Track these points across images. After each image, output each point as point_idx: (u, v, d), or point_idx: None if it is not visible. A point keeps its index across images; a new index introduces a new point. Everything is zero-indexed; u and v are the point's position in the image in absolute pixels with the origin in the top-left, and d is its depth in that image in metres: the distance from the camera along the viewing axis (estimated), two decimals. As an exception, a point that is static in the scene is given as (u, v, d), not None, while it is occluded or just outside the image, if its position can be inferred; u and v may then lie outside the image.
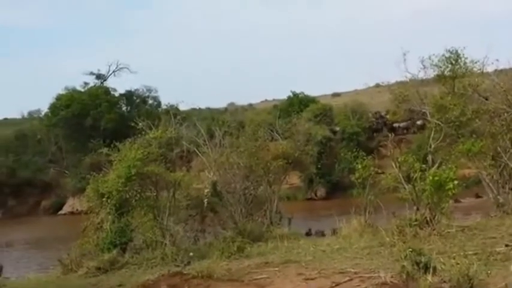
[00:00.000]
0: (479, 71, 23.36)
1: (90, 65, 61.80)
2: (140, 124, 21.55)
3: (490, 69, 23.01)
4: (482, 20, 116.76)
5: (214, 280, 13.15)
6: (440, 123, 20.66)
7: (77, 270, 17.00)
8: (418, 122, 43.49)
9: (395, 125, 49.35)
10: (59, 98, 60.41)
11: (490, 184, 21.43)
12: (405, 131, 49.56)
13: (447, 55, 23.49)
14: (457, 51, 23.53)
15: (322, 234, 22.60)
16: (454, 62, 23.32)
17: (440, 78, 23.76)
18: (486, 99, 19.42)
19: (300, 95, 58.55)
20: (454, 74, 23.14)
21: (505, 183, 20.98)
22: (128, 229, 18.54)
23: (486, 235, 15.59)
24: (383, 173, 21.04)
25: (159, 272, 14.40)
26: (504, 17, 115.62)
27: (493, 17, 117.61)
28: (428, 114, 21.93)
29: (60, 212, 55.94)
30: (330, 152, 47.75)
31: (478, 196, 31.32)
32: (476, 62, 23.18)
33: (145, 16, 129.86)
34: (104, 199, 18.57)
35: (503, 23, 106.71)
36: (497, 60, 21.27)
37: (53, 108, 60.49)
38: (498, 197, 20.84)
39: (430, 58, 23.62)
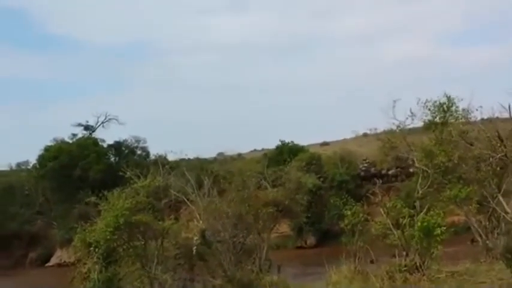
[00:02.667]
0: (466, 119, 23.64)
1: (79, 117, 62.52)
2: (128, 173, 21.54)
3: (474, 116, 23.31)
4: (466, 70, 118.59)
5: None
6: (427, 169, 20.78)
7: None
8: (410, 170, 43.66)
9: (384, 172, 49.52)
10: (47, 149, 60.15)
11: (479, 230, 21.47)
12: (394, 179, 49.69)
13: (442, 101, 23.81)
14: (451, 98, 23.86)
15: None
16: (446, 109, 23.62)
17: (430, 125, 23.97)
18: (471, 145, 19.62)
19: (289, 144, 58.71)
20: (445, 120, 23.40)
21: (493, 228, 21.04)
22: (115, 278, 18.36)
23: (476, 280, 15.60)
24: (372, 220, 21.03)
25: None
26: (486, 68, 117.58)
27: (476, 67, 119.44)
28: (415, 160, 22.06)
29: (47, 264, 55.09)
30: (320, 200, 47.64)
31: (473, 241, 31.23)
32: (466, 111, 23.49)
33: (135, 69, 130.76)
34: (91, 248, 18.41)
35: (485, 73, 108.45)
36: (481, 107, 21.57)
37: (41, 159, 60.19)
38: (487, 242, 20.86)
39: (425, 103, 23.86)
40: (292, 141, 59.18)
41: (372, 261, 20.06)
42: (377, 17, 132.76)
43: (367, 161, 53.13)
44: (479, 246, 21.96)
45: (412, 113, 23.54)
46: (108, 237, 18.01)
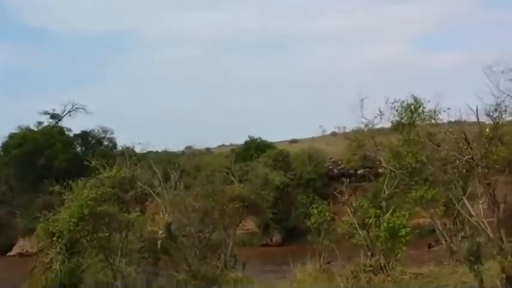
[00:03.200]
0: (433, 121, 23.83)
1: (47, 106, 61.51)
2: (93, 162, 21.25)
3: (442, 117, 23.53)
4: (434, 72, 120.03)
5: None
6: (394, 170, 20.89)
7: (23, 312, 16.45)
8: (377, 170, 43.92)
9: (351, 172, 49.74)
10: (11, 136, 59.26)
11: (444, 232, 21.64)
12: (361, 179, 49.89)
13: (409, 101, 23.98)
14: (418, 99, 24.04)
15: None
16: (414, 110, 23.80)
17: (397, 126, 24.13)
18: (438, 147, 19.75)
19: (257, 140, 58.72)
20: (412, 121, 23.57)
21: (457, 231, 21.22)
22: (78, 269, 18.12)
23: (440, 283, 15.71)
24: (339, 219, 21.05)
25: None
26: (452, 70, 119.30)
27: (443, 70, 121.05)
28: (383, 161, 22.16)
29: (9, 253, 54.33)
30: (287, 197, 47.72)
31: (430, 246, 31.65)
32: (433, 112, 23.68)
33: (104, 62, 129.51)
34: (54, 238, 18.12)
35: (452, 76, 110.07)
36: (449, 108, 21.74)
37: (5, 146, 59.31)
38: (451, 245, 21.04)
39: (393, 103, 23.99)
40: (260, 138, 59.25)
41: (328, 262, 19.94)
42: (352, 18, 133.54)
43: (334, 159, 53.33)
44: (435, 251, 22.17)
45: (380, 112, 23.67)
46: (72, 227, 17.74)
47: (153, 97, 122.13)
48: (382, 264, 16.86)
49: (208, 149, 64.57)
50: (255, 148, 53.39)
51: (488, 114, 17.90)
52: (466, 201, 18.89)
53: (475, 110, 17.60)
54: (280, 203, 45.06)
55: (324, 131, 53.82)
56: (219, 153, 56.05)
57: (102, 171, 20.96)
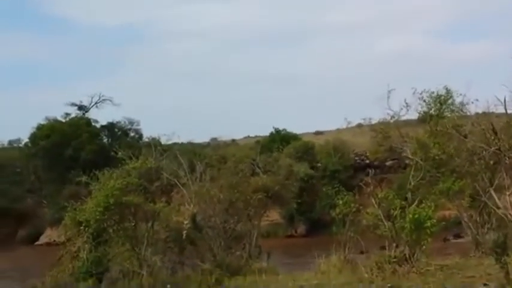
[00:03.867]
0: (461, 112, 23.62)
1: (73, 98, 62.25)
2: (120, 153, 21.44)
3: (469, 109, 23.32)
4: (463, 64, 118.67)
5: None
6: (420, 161, 20.75)
7: (52, 299, 16.70)
8: (403, 162, 43.65)
9: (377, 163, 49.50)
10: (39, 127, 59.95)
11: (470, 224, 21.49)
12: (387, 170, 49.66)
13: (440, 93, 23.76)
14: (450, 90, 23.83)
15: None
16: (443, 101, 23.59)
17: (425, 117, 23.92)
18: (465, 138, 19.59)
19: (282, 132, 58.73)
20: (440, 113, 23.36)
21: (484, 223, 21.05)
22: (104, 259, 18.31)
23: (465, 274, 15.60)
24: (364, 211, 20.97)
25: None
26: (482, 62, 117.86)
27: (472, 62, 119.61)
28: (409, 152, 22.03)
29: (36, 243, 55.08)
30: (312, 189, 47.70)
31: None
32: (461, 104, 23.47)
33: (132, 53, 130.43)
34: (81, 228, 18.34)
35: (481, 67, 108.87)
36: (476, 100, 21.55)
37: (33, 137, 60.00)
38: (477, 237, 20.89)
39: (421, 94, 23.78)
40: (285, 129, 59.24)
41: (361, 252, 20.04)
42: (374, 8, 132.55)
43: (360, 151, 53.13)
44: (462, 243, 21.98)
45: (406, 103, 23.50)
46: (98, 216, 17.92)
47: (177, 89, 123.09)
48: (407, 256, 16.79)
49: (233, 141, 64.85)
50: (280, 140, 53.42)
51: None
52: (493, 193, 18.74)
53: (503, 100, 17.43)
54: (305, 194, 45.00)
55: (349, 122, 53.57)
56: (244, 145, 56.25)
57: (129, 162, 21.14)
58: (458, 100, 23.81)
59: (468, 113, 23.63)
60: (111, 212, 18.27)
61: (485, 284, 13.60)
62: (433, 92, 23.98)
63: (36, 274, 22.34)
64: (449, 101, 24.01)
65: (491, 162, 19.03)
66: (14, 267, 39.50)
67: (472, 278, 14.93)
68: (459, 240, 32.39)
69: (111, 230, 18.83)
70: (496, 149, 16.98)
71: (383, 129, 24.36)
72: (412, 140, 22.63)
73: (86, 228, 18.19)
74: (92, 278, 17.37)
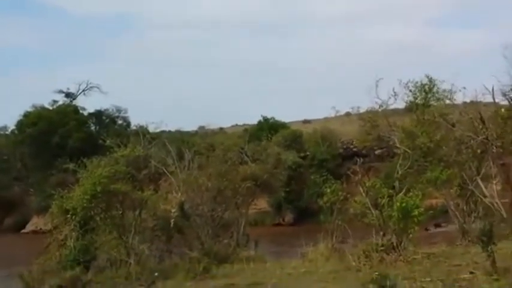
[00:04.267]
0: (448, 101, 23.72)
1: (61, 85, 61.92)
2: (108, 141, 21.35)
3: (457, 97, 23.40)
4: (451, 55, 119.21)
5: (178, 300, 12.98)
6: (408, 150, 20.81)
7: (39, 287, 16.60)
8: (391, 150, 43.72)
9: (364, 152, 49.56)
10: (26, 115, 59.64)
11: (457, 213, 21.59)
12: (374, 159, 49.73)
13: (424, 82, 23.86)
14: (432, 79, 23.93)
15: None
16: (428, 90, 23.68)
17: (411, 106, 24.04)
18: (453, 126, 19.66)
19: (270, 120, 58.74)
20: (426, 102, 23.46)
21: (470, 212, 21.17)
22: (91, 247, 18.27)
23: (451, 262, 15.65)
24: (349, 199, 21.00)
25: (122, 291, 14.14)
26: (468, 51, 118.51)
27: (461, 52, 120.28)
28: (396, 141, 22.09)
29: (23, 231, 54.93)
30: (299, 177, 47.79)
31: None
32: (447, 92, 23.54)
33: (119, 41, 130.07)
34: (68, 216, 18.27)
35: (468, 57, 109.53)
36: (464, 88, 21.62)
37: (20, 125, 59.70)
38: (464, 225, 21.00)
39: (407, 84, 23.89)
40: (273, 118, 59.25)
41: (342, 242, 19.98)
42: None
43: (348, 140, 53.17)
44: (448, 232, 22.06)
45: (395, 92, 23.57)
46: (85, 204, 17.83)
47: (165, 78, 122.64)
48: (394, 244, 16.84)
49: (221, 129, 64.77)
50: (268, 128, 53.37)
51: (504, 94, 17.80)
52: (480, 182, 18.83)
53: (491, 90, 17.48)
54: (293, 183, 45.15)
55: (337, 111, 53.74)
56: (232, 133, 56.15)
57: (117, 149, 21.06)
58: (442, 88, 23.88)
59: (455, 102, 23.74)
60: (99, 200, 18.17)
61: (471, 272, 13.65)
62: (417, 82, 24.06)
63: (23, 262, 22.24)
64: (434, 89, 24.06)
65: (479, 151, 19.12)
66: (0, 255, 39.35)
67: (459, 266, 14.98)
68: (439, 230, 32.75)
69: (98, 218, 18.76)
70: (484, 138, 17.06)
71: (371, 118, 24.41)
72: (400, 128, 22.70)
73: (73, 216, 18.12)
74: (79, 266, 17.27)
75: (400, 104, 25.15)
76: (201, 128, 66.27)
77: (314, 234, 20.58)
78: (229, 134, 55.65)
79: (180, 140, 42.16)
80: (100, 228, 18.89)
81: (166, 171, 23.81)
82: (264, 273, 16.15)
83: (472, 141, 18.04)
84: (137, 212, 19.29)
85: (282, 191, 30.95)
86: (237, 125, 71.28)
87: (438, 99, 23.85)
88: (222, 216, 22.65)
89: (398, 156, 21.64)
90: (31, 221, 55.40)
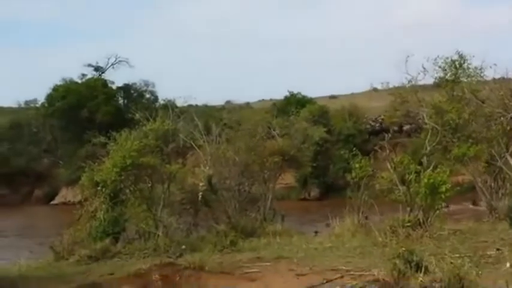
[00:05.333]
0: (479, 77, 23.45)
1: (90, 58, 62.47)
2: (138, 115, 21.54)
3: (488, 74, 23.12)
4: (482, 32, 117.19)
5: (205, 272, 13.17)
6: (436, 126, 20.70)
7: (69, 257, 16.95)
8: (418, 126, 43.32)
9: (391, 128, 49.21)
10: (55, 88, 60.19)
11: (484, 189, 21.51)
12: (401, 135, 49.40)
13: (454, 58, 23.56)
14: (463, 55, 23.62)
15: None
16: (458, 66, 23.40)
17: (441, 82, 23.83)
18: (483, 103, 19.48)
19: (297, 95, 58.55)
20: (456, 78, 23.21)
21: (498, 188, 21.08)
22: (121, 219, 18.53)
23: (478, 239, 15.66)
24: (378, 175, 20.95)
25: (151, 262, 14.37)
26: (503, 28, 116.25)
27: (493, 29, 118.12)
28: (425, 116, 21.97)
29: (52, 202, 55.84)
30: (326, 153, 47.73)
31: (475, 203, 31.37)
32: (478, 69, 23.24)
33: (147, 14, 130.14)
34: (98, 188, 18.54)
35: (502, 35, 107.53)
36: (495, 64, 21.35)
37: (50, 98, 60.28)
38: (491, 202, 20.93)
39: (436, 60, 23.66)
40: (300, 93, 59.04)
41: (366, 217, 19.97)
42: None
43: (375, 115, 52.86)
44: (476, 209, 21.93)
45: (424, 68, 23.38)
46: (115, 177, 18.06)
47: (192, 52, 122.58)
48: (421, 220, 16.87)
49: (248, 103, 64.74)
50: (295, 103, 53.23)
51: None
52: (509, 158, 18.69)
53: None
54: (319, 158, 45.11)
55: (367, 85, 53.32)
56: (258, 108, 56.12)
57: (146, 123, 21.25)
58: (474, 64, 23.54)
59: (486, 78, 23.42)
60: (128, 173, 18.40)
61: (498, 249, 13.66)
62: (447, 58, 23.76)
63: (53, 233, 22.69)
64: (464, 65, 23.73)
65: (509, 127, 18.95)
66: (31, 226, 40.17)
67: (485, 242, 15.00)
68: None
69: (127, 191, 18.99)
70: (514, 115, 16.88)
71: (400, 94, 24.29)
72: (429, 104, 22.54)
73: (103, 189, 18.37)
74: (108, 238, 17.58)
75: (429, 80, 24.97)
76: (228, 102, 66.32)
77: (339, 209, 20.67)
78: (256, 109, 55.65)
79: (208, 114, 42.33)
80: (129, 201, 19.12)
81: (194, 145, 23.97)
82: (290, 247, 16.29)
83: (502, 118, 17.87)
84: (166, 186, 19.49)
85: (309, 166, 30.94)
86: (263, 100, 71.13)
87: (468, 76, 23.51)
88: (249, 190, 22.80)
89: (426, 132, 21.55)
90: (60, 193, 56.22)
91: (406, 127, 48.17)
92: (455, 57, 23.85)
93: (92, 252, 16.51)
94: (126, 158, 18.07)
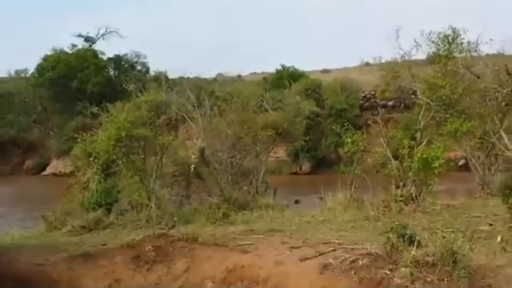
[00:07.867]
0: (473, 52, 23.35)
1: (81, 28, 61.44)
2: (130, 86, 21.39)
3: (483, 49, 23.03)
4: (479, 6, 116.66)
5: (199, 244, 13.16)
6: (430, 101, 20.67)
7: (61, 228, 16.87)
8: (410, 101, 43.39)
9: (384, 102, 49.23)
10: (45, 58, 59.79)
11: (477, 165, 21.58)
12: (393, 110, 49.43)
13: (447, 33, 23.40)
14: (456, 30, 23.48)
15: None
16: (451, 41, 23.27)
17: (434, 57, 23.72)
18: (478, 78, 19.43)
19: (289, 69, 58.33)
20: (449, 53, 23.10)
21: (491, 164, 21.15)
22: (113, 190, 18.49)
23: (470, 214, 15.73)
24: (369, 151, 20.94)
25: (143, 233, 14.36)
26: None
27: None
28: (418, 91, 21.93)
29: (42, 173, 55.73)
30: (317, 127, 47.76)
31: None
32: (471, 44, 23.12)
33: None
34: (91, 159, 18.47)
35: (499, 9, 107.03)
36: (491, 39, 21.26)
37: (40, 68, 59.90)
38: (484, 178, 21.02)
39: (429, 34, 23.53)
40: (293, 66, 58.83)
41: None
42: None
43: (367, 90, 52.76)
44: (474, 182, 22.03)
45: (417, 42, 23.25)
46: (109, 149, 17.98)
47: (183, 24, 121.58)
48: (414, 195, 16.93)
49: (239, 76, 64.48)
50: (287, 77, 53.03)
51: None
52: (503, 134, 18.71)
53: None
54: (311, 132, 45.08)
55: (362, 61, 53.12)
56: (250, 81, 55.89)
57: (139, 95, 21.11)
58: (468, 39, 23.40)
59: (480, 53, 23.33)
60: (121, 145, 18.31)
61: (491, 224, 13.73)
62: (440, 33, 23.58)
63: (45, 203, 22.64)
64: (458, 40, 23.55)
65: (504, 103, 18.95)
66: (22, 196, 40.05)
67: (478, 218, 15.07)
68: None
69: (120, 162, 18.91)
70: (509, 91, 16.86)
71: (393, 69, 24.20)
72: (422, 80, 22.49)
73: (96, 160, 18.32)
74: (101, 208, 17.55)
75: (422, 55, 24.87)
76: (219, 75, 66.03)
77: (330, 183, 20.69)
78: (248, 82, 55.41)
79: (199, 87, 42.14)
80: (122, 172, 19.06)
81: (186, 117, 23.87)
82: (283, 221, 16.30)
83: (496, 93, 17.85)
84: (158, 157, 19.42)
85: (301, 140, 30.92)
86: (255, 73, 70.88)
87: (461, 51, 23.38)
88: (242, 163, 22.77)
89: (419, 107, 21.52)
90: (51, 163, 56.09)
91: (398, 102, 48.25)
92: (448, 31, 23.71)
93: (85, 222, 16.46)
94: (121, 129, 17.95)
